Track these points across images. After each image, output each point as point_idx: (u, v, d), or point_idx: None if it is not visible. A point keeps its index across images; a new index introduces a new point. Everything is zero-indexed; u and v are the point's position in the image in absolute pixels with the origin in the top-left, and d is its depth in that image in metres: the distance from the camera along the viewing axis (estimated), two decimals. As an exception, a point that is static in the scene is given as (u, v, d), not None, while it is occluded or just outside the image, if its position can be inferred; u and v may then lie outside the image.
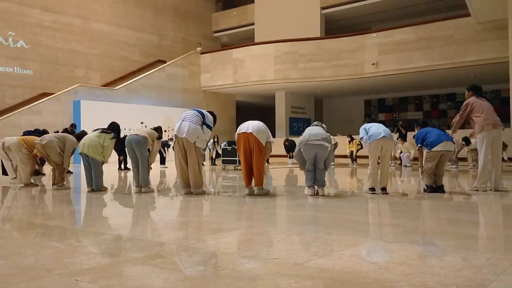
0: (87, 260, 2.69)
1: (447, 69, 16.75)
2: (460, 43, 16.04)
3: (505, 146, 11.36)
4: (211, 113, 6.59)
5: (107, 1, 21.09)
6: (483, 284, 2.17)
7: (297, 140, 6.32)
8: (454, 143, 6.32)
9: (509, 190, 6.57)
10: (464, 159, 13.65)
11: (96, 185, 6.81)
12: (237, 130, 6.24)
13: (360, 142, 13.67)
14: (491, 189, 6.26)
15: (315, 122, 6.44)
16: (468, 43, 15.87)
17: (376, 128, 6.13)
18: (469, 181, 8.04)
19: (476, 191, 6.25)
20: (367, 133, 6.19)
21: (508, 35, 13.58)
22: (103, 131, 6.98)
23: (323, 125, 6.31)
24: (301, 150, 5.95)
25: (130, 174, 11.24)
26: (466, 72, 17.32)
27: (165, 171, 12.66)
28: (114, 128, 7.10)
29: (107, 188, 7.03)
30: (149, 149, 6.90)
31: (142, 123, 18.41)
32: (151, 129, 7.22)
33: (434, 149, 6.07)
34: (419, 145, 6.34)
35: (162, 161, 14.61)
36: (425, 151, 6.26)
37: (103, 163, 6.90)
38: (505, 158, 11.37)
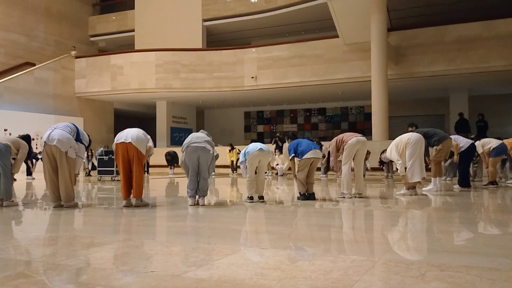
0: None
1: (318, 85, 18.03)
2: (329, 62, 17.39)
3: (368, 154, 12.40)
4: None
5: (-34, -5, 18.91)
6: (349, 284, 2.35)
7: (179, 150, 6.29)
8: (322, 151, 6.81)
9: (370, 196, 7.24)
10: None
11: None
12: (115, 139, 5.99)
13: (239, 151, 14.29)
14: (355, 196, 6.87)
15: (201, 130, 6.47)
16: (336, 62, 17.27)
17: (253, 145, 6.39)
18: (337, 189, 8.69)
19: (343, 198, 6.79)
20: (245, 156, 6.37)
21: (371, 57, 15.11)
22: None
23: (207, 134, 6.34)
24: (184, 153, 5.93)
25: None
26: (335, 89, 18.82)
27: (32, 182, 11.61)
28: None
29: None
30: (14, 159, 6.28)
31: (5, 130, 16.69)
32: (18, 137, 6.60)
33: (305, 156, 6.49)
34: (292, 155, 6.71)
35: (29, 172, 13.39)
36: (297, 160, 6.66)
37: None
38: (368, 168, 12.41)
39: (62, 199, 5.80)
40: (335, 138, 7.11)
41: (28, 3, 21.32)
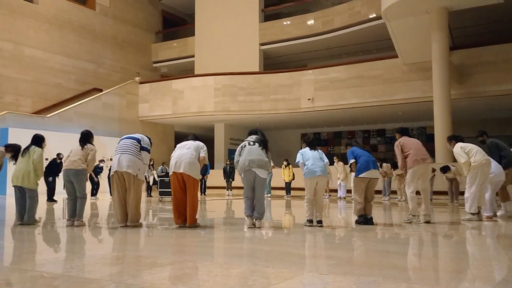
0: (11, 299, 2.52)
1: (377, 106, 17.67)
2: (388, 83, 17.04)
3: (433, 172, 12.03)
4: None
5: (42, 27, 20.42)
6: (411, 313, 2.26)
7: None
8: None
9: (437, 222, 6.94)
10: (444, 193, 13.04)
11: (29, 218, 6.42)
12: (171, 161, 6.17)
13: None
14: (425, 221, 6.59)
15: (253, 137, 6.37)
16: (395, 83, 16.89)
17: (312, 162, 6.27)
18: (400, 214, 8.41)
19: (410, 223, 6.53)
20: (305, 164, 6.31)
21: (432, 76, 14.67)
22: (24, 151, 6.62)
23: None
24: (241, 175, 6.04)
25: (57, 206, 10.69)
26: (394, 110, 18.35)
27: (96, 203, 12.16)
28: (36, 141, 6.77)
29: (38, 222, 6.64)
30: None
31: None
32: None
33: (361, 176, 6.33)
34: (352, 160, 6.52)
35: (93, 192, 14.04)
36: (352, 176, 6.54)
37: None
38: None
39: (128, 219, 6.06)
40: (399, 142, 6.79)
41: (97, 32, 22.73)
